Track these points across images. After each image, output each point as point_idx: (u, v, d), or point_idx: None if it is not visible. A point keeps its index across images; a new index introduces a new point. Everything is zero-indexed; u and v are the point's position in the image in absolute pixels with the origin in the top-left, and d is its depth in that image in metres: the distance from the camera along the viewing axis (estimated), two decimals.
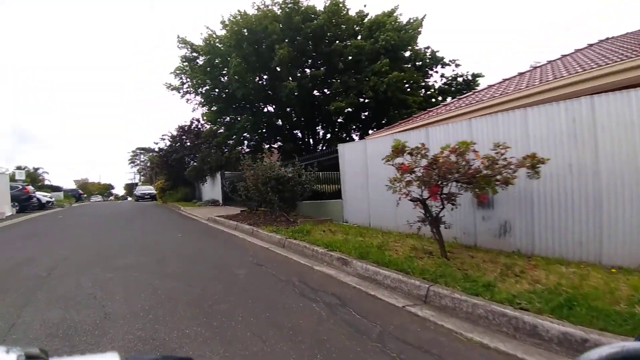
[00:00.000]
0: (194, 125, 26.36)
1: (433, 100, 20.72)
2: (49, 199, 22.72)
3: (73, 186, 47.51)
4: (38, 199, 20.71)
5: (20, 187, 19.14)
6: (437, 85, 21.75)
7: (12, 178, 34.12)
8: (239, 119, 20.95)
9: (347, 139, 21.67)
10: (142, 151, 58.17)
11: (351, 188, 8.04)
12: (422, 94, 20.43)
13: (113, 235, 8.34)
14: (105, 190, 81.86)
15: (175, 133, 26.19)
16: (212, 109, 22.16)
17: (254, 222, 8.76)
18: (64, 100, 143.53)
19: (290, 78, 18.97)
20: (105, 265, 4.84)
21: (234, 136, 21.32)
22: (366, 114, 22.13)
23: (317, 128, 24.10)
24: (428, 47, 20.78)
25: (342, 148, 8.31)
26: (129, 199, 51.82)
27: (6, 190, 16.47)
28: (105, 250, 6.09)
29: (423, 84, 21.12)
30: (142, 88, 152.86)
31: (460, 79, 21.28)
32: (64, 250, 6.19)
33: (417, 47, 20.22)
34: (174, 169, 25.51)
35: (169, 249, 6.00)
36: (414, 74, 19.52)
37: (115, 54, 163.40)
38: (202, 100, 21.58)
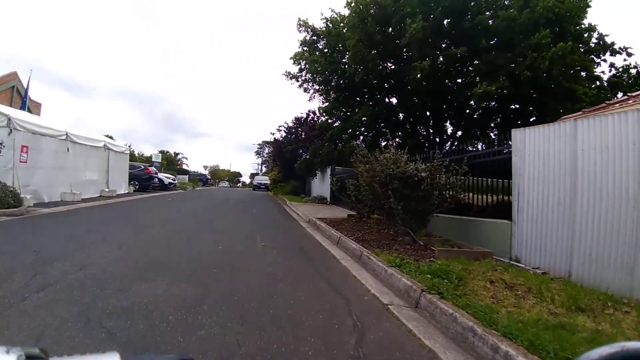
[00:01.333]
0: (309, 117, 25.30)
1: (602, 95, 14.84)
2: (172, 181, 24.46)
3: (203, 171, 53.07)
4: (160, 180, 22.28)
5: (142, 167, 20.64)
6: (605, 77, 15.68)
7: (136, 158, 39.11)
8: (357, 111, 18.73)
9: (482, 138, 17.31)
10: (267, 144, 62.15)
11: (534, 203, 4.67)
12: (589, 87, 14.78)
13: (184, 234, 6.80)
14: (234, 177, 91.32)
15: (290, 124, 25.59)
16: (329, 98, 20.51)
17: (363, 238, 6.13)
18: (210, 93, 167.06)
19: (420, 60, 15.73)
20: (102, 290, 2.88)
21: (350, 130, 19.18)
22: (514, 107, 17.27)
23: (445, 124, 20.19)
24: (594, 29, 14.94)
25: (520, 135, 4.96)
26: None
27: (125, 170, 17.57)
28: (143, 257, 4.30)
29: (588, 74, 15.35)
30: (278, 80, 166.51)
31: (633, 71, 15.13)
32: (115, 243, 4.73)
33: (582, 26, 14.65)
34: (286, 161, 24.93)
35: (226, 279, 3.84)
36: (583, 59, 14.11)
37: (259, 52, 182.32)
38: (320, 88, 20.05)
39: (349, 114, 19.52)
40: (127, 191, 17.38)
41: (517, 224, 4.94)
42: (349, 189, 9.27)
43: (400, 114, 19.28)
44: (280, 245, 5.80)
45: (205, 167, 55.18)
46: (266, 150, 67.82)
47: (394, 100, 19.08)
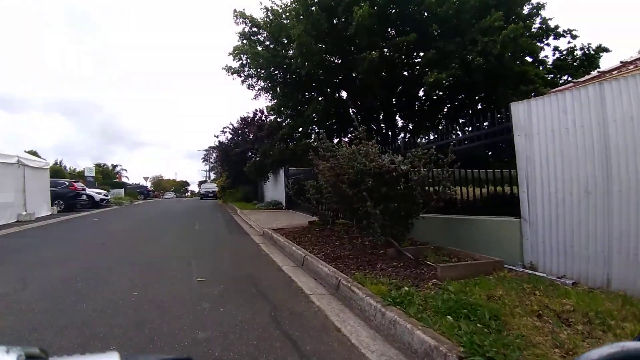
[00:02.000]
0: (257, 117, 23.55)
1: (549, 78, 15.23)
2: (104, 197, 21.48)
3: (144, 182, 48.74)
4: (90, 196, 19.38)
5: (67, 183, 17.72)
6: (550, 61, 16.13)
7: (65, 174, 34.81)
8: (306, 107, 17.45)
9: (432, 129, 17.06)
10: (214, 150, 58.82)
11: (551, 193, 3.66)
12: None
13: (90, 274, 5.02)
14: (181, 186, 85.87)
15: (236, 125, 23.65)
16: (275, 95, 18.99)
17: (335, 254, 4.80)
18: (149, 99, 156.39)
19: (369, 51, 14.85)
20: None
21: (301, 128, 17.83)
22: (461, 96, 17.08)
23: (395, 118, 19.69)
24: (538, 13, 15.22)
25: (524, 109, 3.93)
26: None
27: (45, 188, 14.80)
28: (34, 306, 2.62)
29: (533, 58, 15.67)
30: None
31: (578, 53, 15.66)
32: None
33: (523, 12, 14.85)
34: (234, 165, 22.94)
35: (142, 336, 2.32)
36: (530, 42, 14.20)
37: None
38: (265, 85, 18.47)
39: (299, 109, 18.19)
40: (49, 212, 14.56)
41: (528, 222, 3.90)
42: (308, 192, 7.94)
43: (351, 109, 18.40)
44: (225, 277, 4.26)
45: (145, 178, 50.55)
46: (213, 156, 64.51)
47: (344, 95, 18.13)
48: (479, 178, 5.32)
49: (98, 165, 61.37)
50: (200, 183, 56.30)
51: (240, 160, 22.47)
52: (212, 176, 61.98)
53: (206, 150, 64.70)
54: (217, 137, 23.89)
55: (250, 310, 3.05)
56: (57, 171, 33.86)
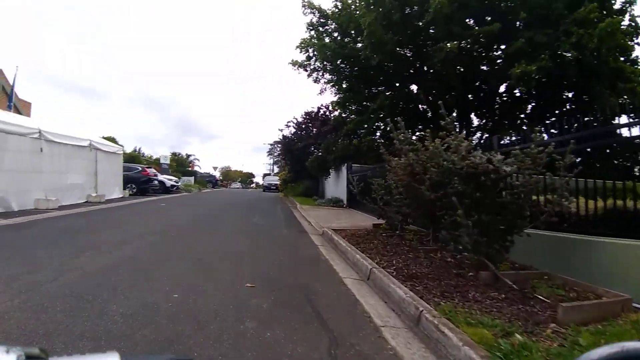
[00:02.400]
0: (321, 112, 23.17)
1: None
2: (174, 183, 22.71)
3: (213, 172, 51.53)
4: (162, 182, 20.56)
5: (140, 168, 18.86)
6: None
7: (141, 160, 37.64)
8: (372, 103, 16.52)
9: (512, 130, 15.04)
10: (278, 144, 60.48)
11: None
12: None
13: (139, 264, 4.74)
14: (247, 178, 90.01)
15: (300, 120, 23.49)
16: (341, 89, 18.32)
17: (409, 271, 3.92)
18: (222, 93, 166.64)
19: (445, 42, 13.45)
20: None
21: (366, 124, 16.91)
22: (549, 94, 14.79)
23: (470, 116, 17.81)
24: (627, 10, 12.59)
25: None
26: None
27: (117, 172, 15.78)
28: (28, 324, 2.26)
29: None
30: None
31: None
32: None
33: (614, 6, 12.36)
34: (297, 160, 22.85)
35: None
36: (622, 38, 11.82)
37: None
38: (331, 78, 17.88)
39: (364, 105, 17.31)
40: (120, 195, 15.61)
41: None
42: (375, 192, 7.14)
43: (420, 106, 17.03)
44: (278, 284, 3.65)
45: (214, 168, 53.44)
46: (277, 150, 66.21)
47: (414, 89, 16.80)
48: (593, 188, 4.05)
49: (174, 154, 66.41)
50: (264, 175, 58.23)
51: (303, 155, 22.28)
52: (276, 169, 63.81)
53: (271, 145, 66.85)
54: (281, 130, 24.03)
55: (304, 341, 2.35)
56: (133, 157, 37.01)
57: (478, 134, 17.96)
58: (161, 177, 22.26)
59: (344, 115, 19.29)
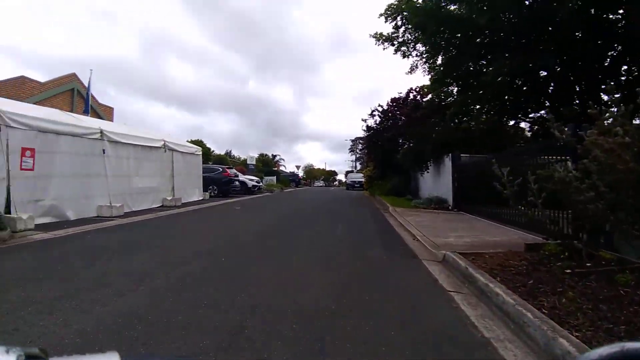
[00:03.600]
0: (410, 97, 19.92)
1: None
2: (256, 183, 21.76)
3: (296, 171, 51.23)
4: (243, 183, 19.73)
5: (220, 169, 18.06)
6: None
7: (227, 161, 38.14)
8: (480, 77, 12.87)
9: None
10: (360, 140, 58.07)
11: None
12: None
13: (173, 309, 2.64)
14: (330, 176, 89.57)
15: (386, 107, 20.57)
16: (435, 65, 14.94)
17: None
18: (305, 92, 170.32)
19: None
20: None
21: (476, 103, 13.21)
22: None
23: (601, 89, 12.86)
24: None
25: None
26: None
27: (197, 173, 14.93)
28: None
29: None
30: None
31: None
32: None
33: None
34: (383, 153, 20.00)
35: None
36: None
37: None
38: (425, 50, 14.64)
39: (470, 82, 13.68)
40: (200, 198, 14.84)
41: None
42: (532, 191, 4.15)
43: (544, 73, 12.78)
44: None
45: (297, 167, 53.13)
46: (359, 147, 63.67)
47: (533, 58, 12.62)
48: None
49: (261, 155, 69.02)
50: (347, 173, 56.04)
51: (390, 147, 19.36)
52: (358, 166, 61.35)
53: (352, 141, 64.67)
54: (365, 120, 21.36)
55: None
56: (221, 159, 38.03)
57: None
58: (243, 177, 21.58)
59: (441, 95, 15.85)
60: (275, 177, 30.82)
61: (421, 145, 13.32)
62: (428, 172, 13.97)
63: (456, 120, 14.06)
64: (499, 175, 4.36)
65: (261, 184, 23.37)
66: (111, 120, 19.02)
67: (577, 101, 12.90)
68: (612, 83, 12.51)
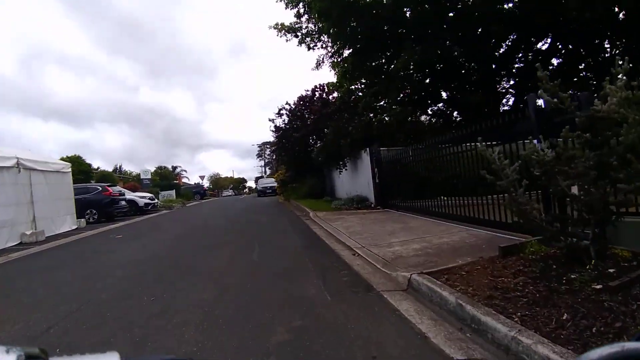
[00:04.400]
0: (317, 95, 18.98)
1: None
2: (149, 201, 18.36)
3: (200, 182, 47.01)
4: (132, 202, 16.37)
5: (100, 188, 14.54)
6: None
7: (113, 178, 32.86)
8: (390, 67, 12.41)
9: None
10: (267, 145, 56.02)
11: None
12: None
13: None
14: (239, 184, 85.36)
15: (293, 106, 19.29)
16: (341, 57, 14.15)
17: None
18: (204, 99, 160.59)
19: None
20: None
21: (388, 94, 12.62)
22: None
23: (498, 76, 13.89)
24: None
25: None
26: None
27: (66, 196, 11.54)
28: None
29: None
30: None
31: None
32: None
33: None
34: (295, 154, 18.66)
35: None
36: None
37: None
38: (331, 40, 13.66)
39: (383, 70, 13.12)
40: (74, 227, 11.42)
41: None
42: (504, 176, 3.03)
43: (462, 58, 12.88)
44: None
45: (201, 177, 48.43)
46: (267, 152, 61.69)
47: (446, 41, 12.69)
48: None
49: (159, 168, 61.73)
50: (257, 179, 53.62)
51: (302, 148, 18.11)
52: (268, 171, 59.30)
53: (260, 146, 62.35)
54: (272, 121, 19.70)
55: None
56: (106, 176, 32.40)
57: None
58: (132, 195, 17.95)
59: (351, 88, 15.13)
60: (173, 191, 26.96)
61: (337, 141, 12.24)
62: (346, 169, 12.99)
63: (371, 115, 13.39)
64: (491, 161, 3.12)
65: (156, 201, 19.84)
66: None
67: (478, 90, 13.32)
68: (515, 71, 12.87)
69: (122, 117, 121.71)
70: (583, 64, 12.48)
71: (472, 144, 5.99)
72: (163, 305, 3.31)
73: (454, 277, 3.33)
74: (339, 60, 14.60)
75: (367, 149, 11.08)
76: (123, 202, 15.42)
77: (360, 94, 15.14)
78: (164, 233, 9.42)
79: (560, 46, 12.25)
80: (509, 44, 12.50)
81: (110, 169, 52.30)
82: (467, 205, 6.40)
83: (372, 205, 10.96)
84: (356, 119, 12.41)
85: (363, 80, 14.66)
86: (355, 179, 12.91)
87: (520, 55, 12.86)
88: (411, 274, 3.54)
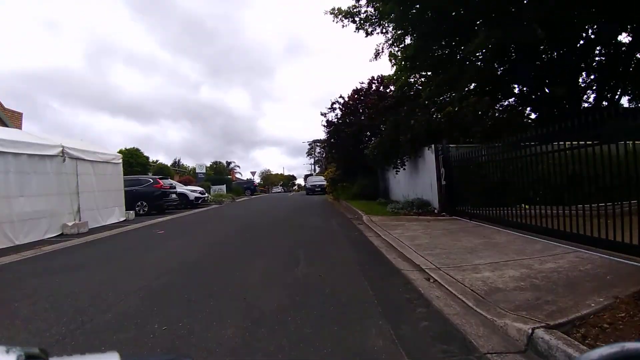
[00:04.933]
0: (373, 87, 17.67)
1: None
2: (199, 195, 18.31)
3: (251, 177, 47.58)
4: (183, 195, 16.37)
5: (151, 181, 14.57)
6: None
7: (170, 171, 33.56)
8: (460, 52, 10.78)
9: None
10: (318, 143, 55.52)
11: None
12: None
13: None
14: (289, 181, 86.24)
15: (347, 99, 18.16)
16: (403, 44, 12.72)
17: None
18: (261, 97, 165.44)
19: None
20: None
21: (455, 85, 11.02)
22: None
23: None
24: None
25: None
26: None
27: (116, 187, 11.49)
28: None
29: None
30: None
31: None
32: None
33: None
34: (346, 151, 17.54)
35: None
36: None
37: None
38: (396, 26, 12.28)
39: (445, 62, 11.55)
40: (122, 218, 11.41)
41: None
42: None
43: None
44: None
45: (252, 173, 48.98)
46: (317, 150, 61.15)
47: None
48: None
49: (214, 163, 64.07)
50: (306, 176, 53.28)
51: (354, 144, 16.93)
52: (317, 170, 58.77)
53: (310, 144, 61.95)
54: (324, 115, 18.73)
55: None
56: (161, 168, 33.56)
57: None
58: (183, 189, 18.08)
59: (410, 80, 13.65)
60: (224, 185, 27.16)
61: (395, 136, 10.91)
62: (404, 168, 11.60)
63: (432, 109, 11.85)
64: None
65: (206, 195, 19.86)
66: (19, 127, 14.88)
67: (563, 82, 11.23)
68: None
69: (183, 114, 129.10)
70: None
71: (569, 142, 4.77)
72: (171, 340, 2.40)
73: (594, 332, 2.06)
74: (400, 48, 13.21)
75: (432, 145, 9.63)
76: (174, 195, 15.44)
77: (420, 87, 13.62)
78: (206, 232, 8.84)
79: None
80: (591, 33, 10.28)
81: (169, 163, 55.23)
82: (559, 216, 4.94)
83: (436, 211, 9.51)
84: (418, 112, 10.96)
85: (424, 73, 13.13)
86: (415, 179, 11.47)
87: (601, 48, 10.57)
88: (532, 328, 2.28)
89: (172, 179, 27.66)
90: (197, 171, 33.58)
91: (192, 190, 18.39)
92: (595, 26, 10.97)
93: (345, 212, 11.99)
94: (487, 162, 7.27)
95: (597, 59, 12.28)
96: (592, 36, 11.26)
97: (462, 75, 10.18)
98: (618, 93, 12.90)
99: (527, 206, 6.11)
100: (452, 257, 4.48)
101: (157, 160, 40.12)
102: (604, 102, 12.05)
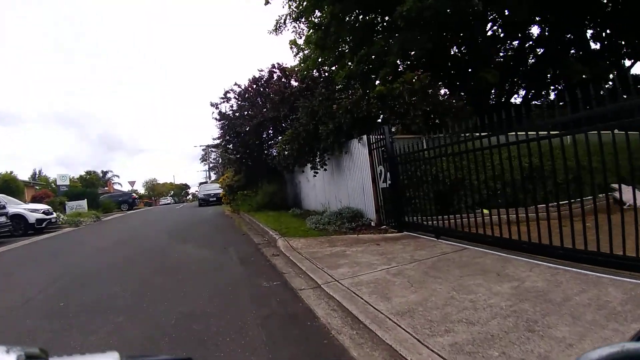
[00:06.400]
0: (275, 77, 14.79)
1: None
2: (44, 216, 12.96)
3: (130, 188, 40.00)
4: (20, 217, 11.68)
5: None
6: None
7: (17, 184, 25.98)
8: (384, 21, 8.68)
9: None
10: (212, 149, 49.94)
11: None
12: None
13: None
14: (181, 190, 77.18)
15: (244, 88, 14.89)
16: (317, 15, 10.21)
17: None
18: (144, 101, 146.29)
19: None
20: None
21: (382, 61, 8.82)
22: None
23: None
24: None
25: None
26: None
27: None
28: None
29: None
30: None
31: None
32: None
33: None
34: (246, 152, 14.22)
35: None
36: None
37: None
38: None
39: (373, 32, 9.37)
40: None
41: None
42: None
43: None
44: None
45: (131, 183, 40.71)
46: (213, 155, 55.48)
47: None
48: None
49: (87, 173, 52.82)
50: (200, 185, 47.30)
51: (255, 142, 13.77)
52: (213, 177, 53.09)
53: (204, 148, 55.81)
54: (216, 106, 14.99)
55: None
56: (6, 181, 25.15)
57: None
58: (19, 207, 12.50)
59: (319, 60, 11.17)
60: (84, 200, 20.78)
61: (314, 128, 8.18)
62: (324, 169, 8.93)
63: (352, 91, 9.49)
64: None
65: (54, 215, 14.12)
66: None
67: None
68: None
69: (55, 117, 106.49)
70: None
71: None
72: None
73: None
74: (310, 22, 10.64)
75: (364, 137, 7.18)
76: (3, 219, 10.28)
77: (334, 68, 11.28)
78: (15, 288, 4.61)
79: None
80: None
81: (29, 174, 43.11)
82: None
83: (373, 224, 7.05)
84: (341, 97, 8.44)
85: (340, 49, 10.81)
86: (339, 182, 8.91)
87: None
88: None
89: (19, 193, 20.39)
90: (57, 183, 26.06)
91: (32, 210, 12.75)
92: None
93: (249, 231, 8.72)
94: (455, 154, 5.02)
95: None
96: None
97: (393, 45, 8.03)
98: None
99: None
100: (512, 350, 1.80)
101: (10, 172, 29.88)
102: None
